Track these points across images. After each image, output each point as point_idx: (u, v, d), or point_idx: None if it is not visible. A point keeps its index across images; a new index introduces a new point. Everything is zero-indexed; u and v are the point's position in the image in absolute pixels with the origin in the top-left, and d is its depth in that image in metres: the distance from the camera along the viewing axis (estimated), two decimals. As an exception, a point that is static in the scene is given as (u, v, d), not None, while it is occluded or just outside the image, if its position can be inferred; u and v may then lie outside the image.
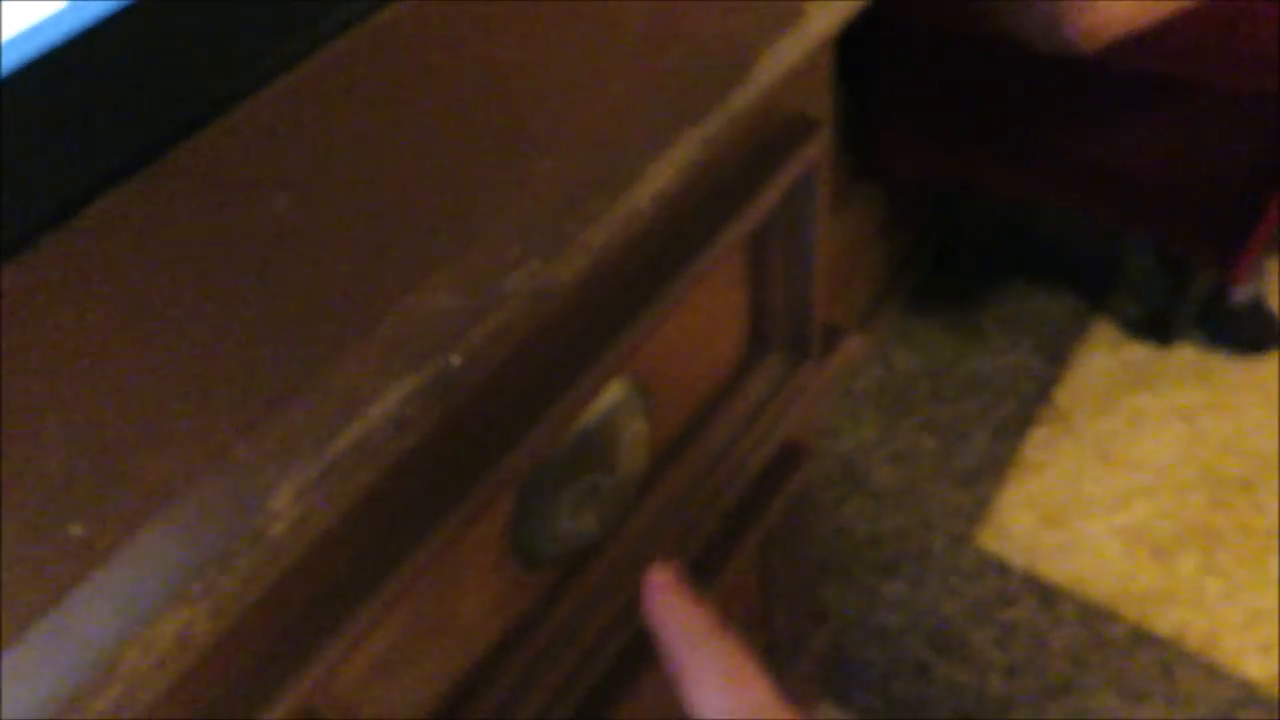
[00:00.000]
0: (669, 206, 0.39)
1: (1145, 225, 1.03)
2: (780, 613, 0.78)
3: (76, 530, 0.28)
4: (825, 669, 0.99)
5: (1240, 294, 1.21)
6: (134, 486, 0.29)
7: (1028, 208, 1.41)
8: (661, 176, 0.37)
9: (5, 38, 0.32)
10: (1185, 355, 1.25)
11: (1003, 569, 1.10)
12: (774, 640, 0.81)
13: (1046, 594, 1.08)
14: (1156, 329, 1.26)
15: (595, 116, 0.38)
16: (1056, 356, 1.27)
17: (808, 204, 0.49)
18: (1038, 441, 1.20)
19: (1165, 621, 1.05)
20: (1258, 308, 1.22)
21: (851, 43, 1.01)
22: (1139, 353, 1.26)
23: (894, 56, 1.01)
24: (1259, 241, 0.91)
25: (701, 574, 0.59)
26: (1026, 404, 1.23)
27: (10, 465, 0.28)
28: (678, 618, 0.28)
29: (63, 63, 0.33)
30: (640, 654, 0.52)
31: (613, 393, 0.44)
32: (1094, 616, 1.06)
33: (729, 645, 0.27)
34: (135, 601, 0.27)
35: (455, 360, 0.32)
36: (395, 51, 0.37)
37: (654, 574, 0.29)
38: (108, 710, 0.26)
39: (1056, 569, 1.10)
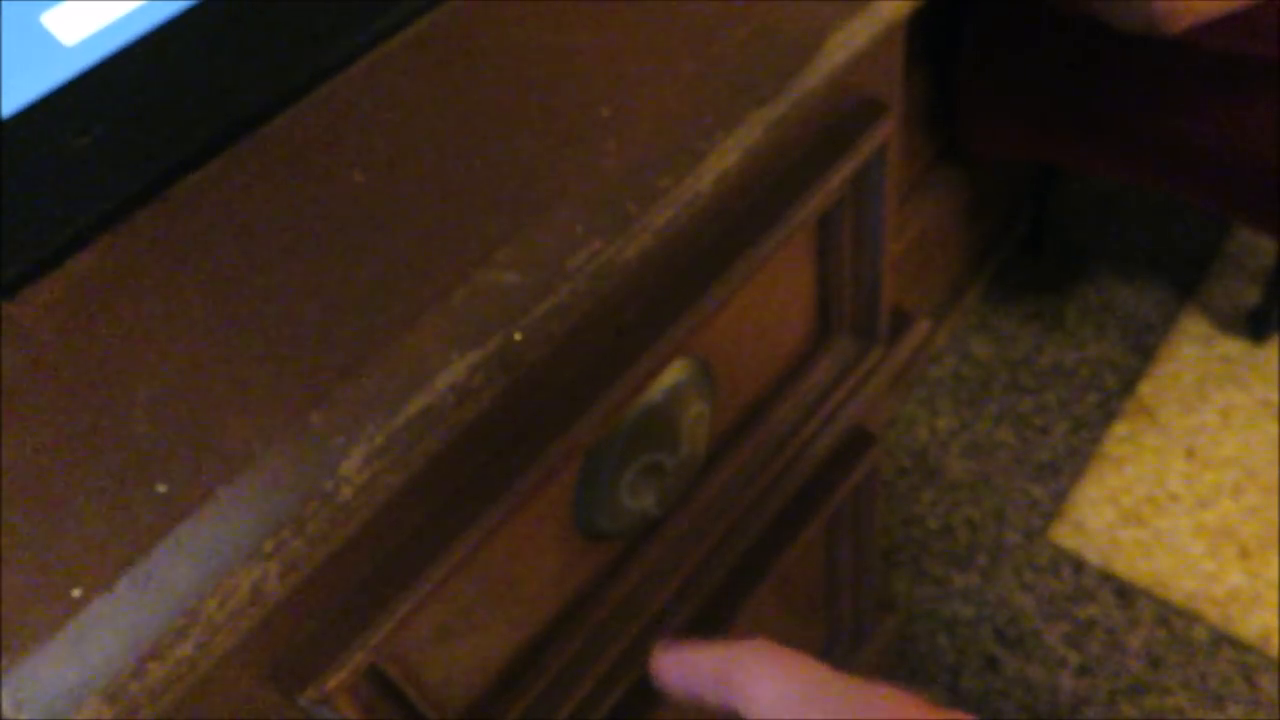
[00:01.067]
0: (735, 188, 0.40)
1: (1244, 214, 0.99)
2: (845, 601, 0.78)
3: (161, 489, 0.30)
4: (890, 659, 0.99)
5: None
6: (215, 450, 0.31)
7: (1117, 192, 1.37)
8: (727, 158, 0.38)
9: (105, 25, 0.34)
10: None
11: (1078, 565, 1.08)
12: (835, 630, 0.81)
13: (1124, 592, 1.06)
14: (1251, 323, 1.22)
15: (662, 98, 0.38)
16: (1143, 349, 1.23)
17: (876, 188, 0.49)
18: (1120, 436, 1.17)
19: (1249, 625, 1.02)
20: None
21: (936, 22, 1.00)
22: (1231, 347, 1.22)
23: (980, 35, 0.99)
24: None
25: (761, 558, 0.60)
26: (1109, 397, 1.20)
27: (103, 428, 0.30)
28: (697, 655, 0.26)
29: (154, 49, 0.34)
30: (698, 633, 0.53)
31: (676, 372, 0.45)
32: (1173, 617, 1.03)
33: (763, 641, 0.26)
34: (214, 556, 0.29)
35: (518, 335, 0.33)
36: (467, 36, 0.38)
37: (657, 652, 0.27)
38: (188, 655, 0.28)
39: (1135, 567, 1.07)
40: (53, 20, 0.34)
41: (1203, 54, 0.82)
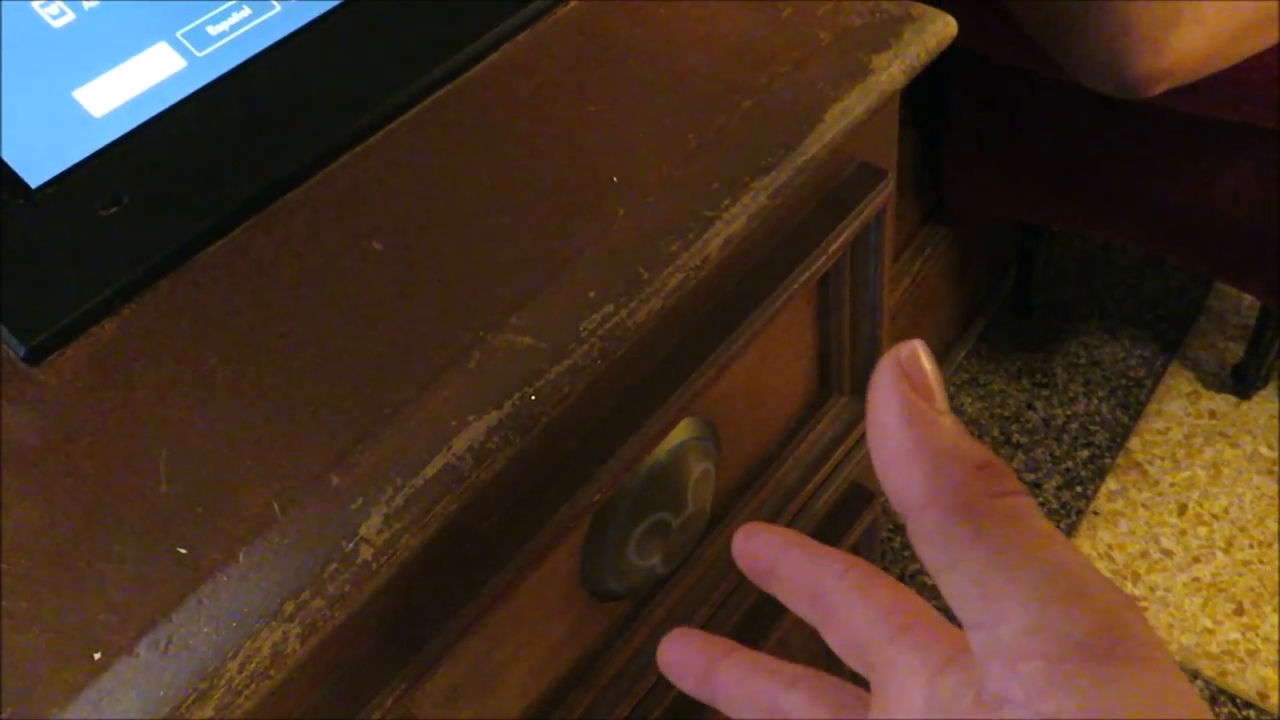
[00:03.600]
0: (739, 252, 0.41)
1: (1226, 271, 1.01)
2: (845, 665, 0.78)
3: (183, 551, 0.30)
4: None
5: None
6: (236, 512, 0.31)
7: (1101, 250, 1.40)
8: (733, 223, 0.39)
9: (133, 97, 0.35)
10: (1266, 406, 1.22)
11: (1075, 621, 1.08)
12: (839, 686, 0.80)
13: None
14: (1235, 379, 1.24)
15: (669, 166, 0.40)
16: (1131, 405, 1.25)
17: (875, 250, 0.50)
18: (1111, 492, 1.18)
19: (1246, 681, 1.02)
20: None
21: (922, 84, 1.02)
22: (1217, 403, 1.24)
23: (965, 98, 1.02)
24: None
25: (764, 617, 0.60)
26: (1100, 453, 1.21)
27: (126, 492, 0.31)
28: (791, 553, 0.26)
29: (180, 121, 0.35)
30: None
31: (682, 431, 0.45)
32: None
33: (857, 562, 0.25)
34: (234, 618, 0.29)
35: (533, 397, 0.34)
36: (482, 108, 0.40)
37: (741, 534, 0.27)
38: (209, 718, 0.28)
39: (1131, 623, 1.07)
40: (84, 94, 0.35)
41: (1181, 117, 0.85)
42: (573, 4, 0.42)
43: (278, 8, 0.38)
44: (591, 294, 0.36)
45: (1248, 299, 1.30)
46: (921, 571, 1.14)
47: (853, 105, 0.42)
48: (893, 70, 0.43)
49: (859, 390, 0.57)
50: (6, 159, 0.33)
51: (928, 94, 1.02)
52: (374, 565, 0.31)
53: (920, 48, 0.45)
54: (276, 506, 0.31)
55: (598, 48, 0.42)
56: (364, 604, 0.32)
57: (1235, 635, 1.05)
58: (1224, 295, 1.33)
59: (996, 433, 1.25)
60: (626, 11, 0.42)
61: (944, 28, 0.45)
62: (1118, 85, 0.71)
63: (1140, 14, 0.67)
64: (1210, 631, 1.05)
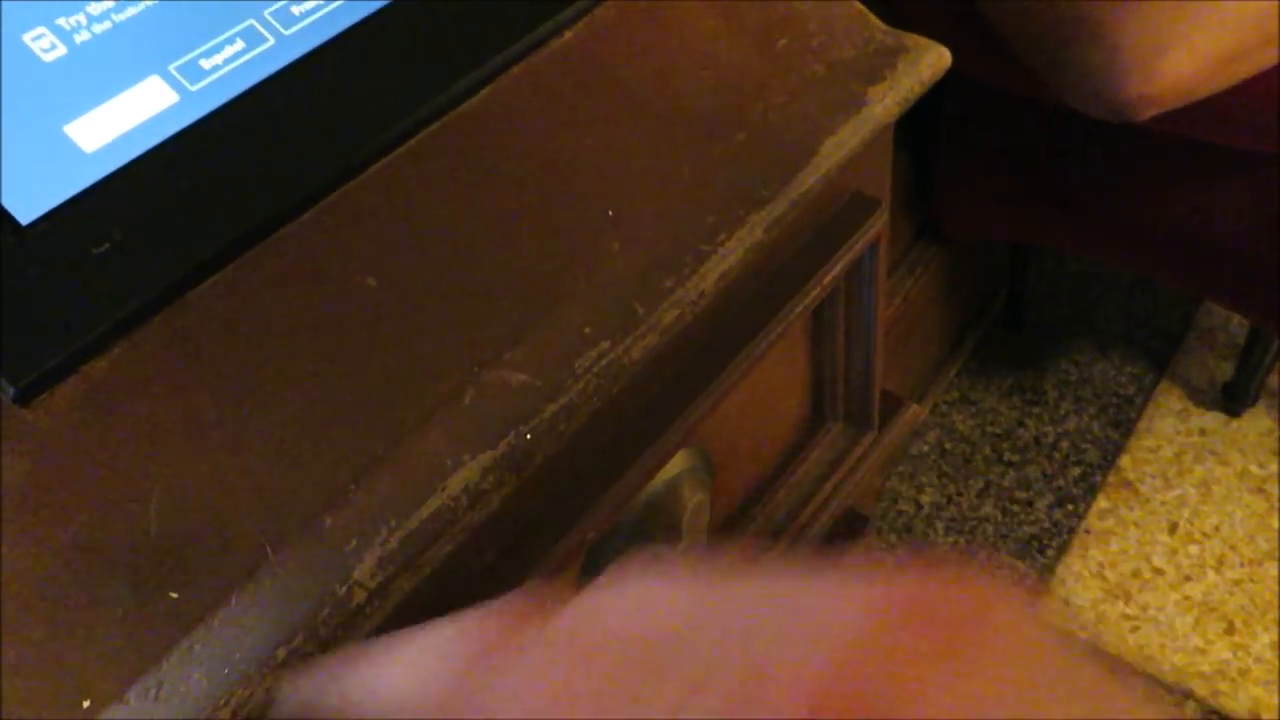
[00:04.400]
0: (735, 284, 0.41)
1: (1216, 293, 1.02)
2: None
3: (174, 595, 0.30)
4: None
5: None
6: (228, 554, 0.31)
7: (1092, 268, 1.40)
8: (729, 258, 0.39)
9: (124, 132, 0.35)
10: (1257, 424, 1.23)
11: (1067, 641, 1.08)
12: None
13: (1114, 669, 1.05)
14: (1226, 398, 1.24)
15: (665, 199, 0.40)
16: (1122, 423, 1.25)
17: (869, 279, 0.50)
18: (1102, 510, 1.18)
19: (1238, 700, 1.02)
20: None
21: (914, 107, 1.03)
22: (1208, 421, 1.24)
23: (956, 117, 1.02)
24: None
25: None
26: (1091, 471, 1.21)
27: (116, 534, 0.30)
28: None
29: (171, 156, 0.35)
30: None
31: (678, 462, 0.45)
32: (1163, 694, 1.03)
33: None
34: (226, 664, 0.29)
35: (528, 436, 0.34)
36: (474, 142, 0.39)
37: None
38: (200, 769, 0.28)
39: (1124, 642, 1.07)
40: (75, 129, 0.34)
41: (1171, 140, 0.85)
42: (567, 36, 0.41)
43: (271, 41, 0.38)
44: (587, 330, 0.36)
45: (1237, 317, 1.30)
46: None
47: (847, 138, 0.42)
48: (887, 102, 0.44)
49: (852, 417, 0.57)
50: (-4, 195, 0.33)
51: (920, 113, 1.02)
52: (367, 609, 0.31)
53: (914, 79, 0.45)
54: (269, 549, 0.31)
55: (592, 80, 0.42)
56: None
57: (1227, 655, 1.05)
58: (1214, 313, 1.33)
59: (989, 450, 1.25)
60: (621, 43, 0.42)
61: (938, 59, 0.46)
62: (1107, 110, 0.71)
63: (1129, 41, 0.67)
64: (1202, 651, 1.05)
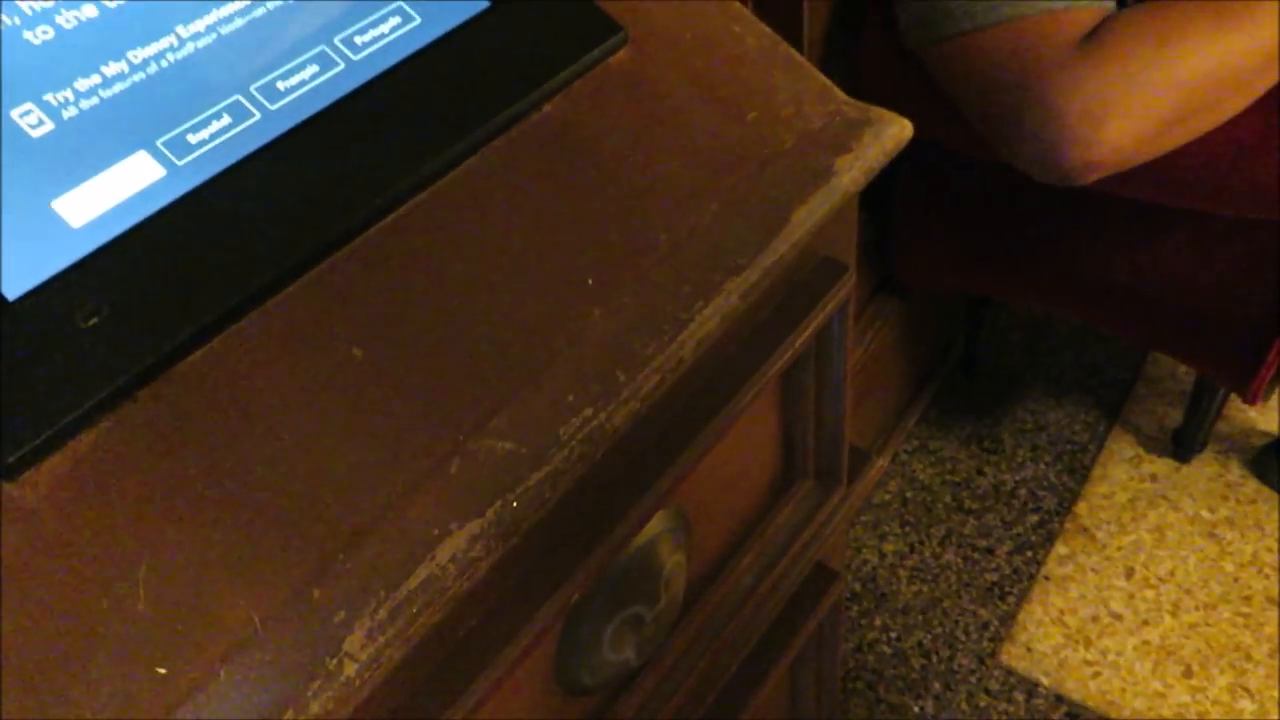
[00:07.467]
0: (711, 350, 0.42)
1: (1163, 344, 1.05)
2: (809, 735, 0.78)
3: (162, 671, 0.30)
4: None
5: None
6: (216, 628, 0.31)
7: (1044, 319, 1.44)
8: (705, 324, 0.40)
9: (111, 207, 0.35)
10: (1205, 470, 1.26)
11: (1031, 689, 1.09)
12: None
13: (1076, 714, 1.07)
14: (1175, 444, 1.27)
15: (642, 268, 0.41)
16: (1076, 469, 1.28)
17: (838, 340, 0.52)
18: (1061, 556, 1.20)
19: (1199, 744, 1.03)
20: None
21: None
22: (1159, 466, 1.27)
23: (913, 178, 1.06)
24: (1276, 363, 0.93)
25: (734, 698, 0.60)
26: (1048, 518, 1.24)
27: (104, 609, 0.30)
28: None
29: (158, 231, 0.36)
30: (677, 782, 0.52)
31: (657, 523, 0.46)
32: (1126, 738, 1.04)
33: None
34: (216, 740, 0.29)
35: (515, 504, 0.34)
36: (454, 216, 0.40)
37: None
38: None
39: (1086, 688, 1.08)
40: (62, 204, 0.35)
41: (1116, 200, 0.89)
42: (547, 109, 0.43)
43: (257, 116, 0.38)
44: (570, 398, 0.37)
45: (1184, 365, 1.34)
46: (879, 640, 1.14)
47: (816, 207, 0.44)
48: (854, 172, 0.45)
49: (822, 474, 0.58)
50: (-18, 269, 0.33)
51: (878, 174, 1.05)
52: (357, 681, 0.31)
53: (879, 149, 0.46)
54: (258, 622, 0.31)
55: (571, 151, 0.43)
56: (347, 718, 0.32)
57: (1185, 698, 1.07)
58: (1161, 362, 1.37)
59: (948, 499, 1.26)
60: (598, 115, 0.44)
61: (900, 130, 0.47)
62: (1053, 174, 0.74)
63: (1071, 110, 0.70)
64: (1161, 695, 1.07)
